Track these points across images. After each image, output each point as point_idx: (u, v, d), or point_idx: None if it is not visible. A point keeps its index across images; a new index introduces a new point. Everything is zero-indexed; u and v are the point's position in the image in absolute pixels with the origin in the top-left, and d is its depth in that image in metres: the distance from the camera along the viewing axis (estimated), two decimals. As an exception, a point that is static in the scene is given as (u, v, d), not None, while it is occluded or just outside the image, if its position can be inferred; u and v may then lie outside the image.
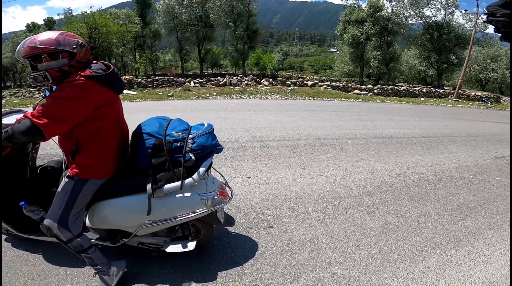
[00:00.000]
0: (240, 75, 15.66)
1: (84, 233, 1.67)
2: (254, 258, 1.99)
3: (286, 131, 5.45)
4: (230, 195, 1.85)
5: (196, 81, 14.73)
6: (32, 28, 34.08)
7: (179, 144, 1.60)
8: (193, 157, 1.59)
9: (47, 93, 1.77)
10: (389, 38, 22.09)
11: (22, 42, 1.41)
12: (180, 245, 1.81)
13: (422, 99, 15.19)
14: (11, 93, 13.24)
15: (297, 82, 14.43)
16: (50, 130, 1.34)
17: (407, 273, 1.87)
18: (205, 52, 26.67)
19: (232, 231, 2.28)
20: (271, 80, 14.77)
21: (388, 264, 1.95)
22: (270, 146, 4.44)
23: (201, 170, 1.64)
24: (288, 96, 11.26)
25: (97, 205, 1.67)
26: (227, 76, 15.48)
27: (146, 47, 27.36)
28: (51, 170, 2.01)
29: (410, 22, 22.36)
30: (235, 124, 5.79)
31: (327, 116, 7.51)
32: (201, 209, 1.68)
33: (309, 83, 14.55)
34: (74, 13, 26.53)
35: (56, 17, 32.33)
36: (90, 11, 19.99)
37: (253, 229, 2.31)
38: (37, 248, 2.12)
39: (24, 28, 35.67)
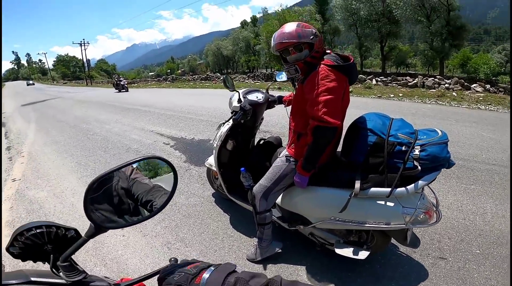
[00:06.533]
0: (438, 77, 12.85)
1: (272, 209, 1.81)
2: (402, 284, 1.72)
3: (507, 155, 3.89)
4: (437, 219, 1.49)
5: (379, 79, 13.58)
6: (244, 25, 40.66)
7: (403, 148, 1.39)
8: (418, 167, 1.35)
9: (278, 78, 2.02)
10: None
11: (272, 38, 1.56)
12: (351, 250, 1.66)
13: None
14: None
15: (537, 92, 9.91)
16: (337, 125, 1.42)
17: None
18: (388, 49, 23.98)
19: (391, 247, 1.95)
20: (487, 86, 11.03)
21: None
22: (477, 169, 3.36)
23: (421, 182, 1.38)
24: (516, 109, 8.00)
25: (295, 188, 1.71)
26: (419, 76, 13.18)
27: (326, 43, 28.26)
28: (269, 145, 2.20)
29: None
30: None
31: None
32: (397, 223, 1.44)
33: (562, 95, 9.60)
34: (269, 11, 30.80)
35: (258, 15, 38.51)
36: (281, 9, 22.97)
37: (417, 253, 1.91)
38: (227, 209, 2.55)
39: (239, 25, 42.93)
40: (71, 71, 64.60)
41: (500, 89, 10.88)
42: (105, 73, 69.35)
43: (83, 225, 2.21)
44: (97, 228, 0.57)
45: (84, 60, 40.57)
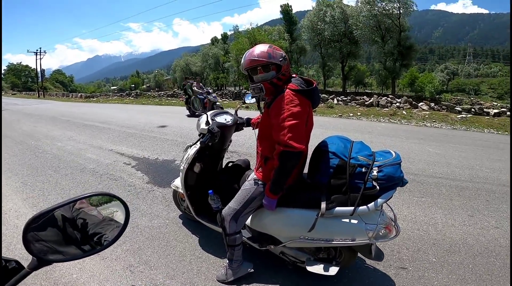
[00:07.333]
0: (390, 96, 14.13)
1: (241, 230, 1.81)
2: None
3: (451, 168, 4.37)
4: (396, 232, 1.62)
5: (340, 98, 14.51)
6: (214, 41, 41.20)
7: (363, 169, 1.50)
8: (377, 187, 1.47)
9: (247, 99, 1.98)
10: None
11: (243, 57, 1.61)
12: (322, 267, 1.72)
13: None
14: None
15: (472, 109, 11.37)
16: (302, 149, 1.47)
17: None
18: (348, 69, 25.87)
19: (357, 260, 2.05)
20: (432, 104, 12.40)
21: None
22: (426, 183, 3.70)
23: (380, 200, 1.50)
24: (456, 125, 9.05)
25: (264, 210, 1.75)
26: (374, 96, 14.37)
27: (292, 62, 29.56)
28: (237, 167, 2.22)
29: None
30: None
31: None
32: (361, 239, 1.55)
33: (491, 111, 11.13)
34: (240, 29, 31.30)
35: (229, 33, 39.01)
36: (251, 28, 23.74)
37: (380, 264, 2.02)
38: (195, 231, 2.50)
39: (209, 41, 43.33)
40: (22, 81, 58.79)
41: (443, 107, 12.30)
42: (61, 85, 64.41)
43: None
44: (40, 261, 0.54)
45: (38, 69, 37.34)
